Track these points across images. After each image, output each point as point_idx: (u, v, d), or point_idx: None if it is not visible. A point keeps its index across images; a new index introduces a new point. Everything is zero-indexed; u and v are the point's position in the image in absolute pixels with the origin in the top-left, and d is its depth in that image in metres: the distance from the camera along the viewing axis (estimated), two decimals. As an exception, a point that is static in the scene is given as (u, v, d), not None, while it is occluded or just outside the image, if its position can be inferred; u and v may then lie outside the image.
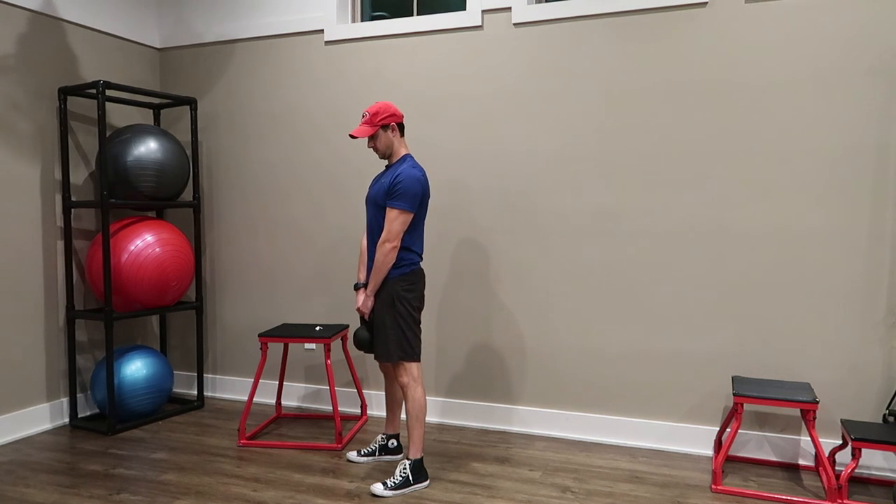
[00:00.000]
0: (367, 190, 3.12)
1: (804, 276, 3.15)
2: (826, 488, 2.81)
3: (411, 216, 2.86)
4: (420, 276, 2.98)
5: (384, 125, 2.92)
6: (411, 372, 2.90)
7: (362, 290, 3.04)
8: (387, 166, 3.03)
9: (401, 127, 2.97)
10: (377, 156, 3.09)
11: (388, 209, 2.84)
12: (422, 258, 3.01)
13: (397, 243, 2.84)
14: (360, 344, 3.03)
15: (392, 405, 3.25)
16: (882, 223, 3.02)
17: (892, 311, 3.03)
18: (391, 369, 3.12)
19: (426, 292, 3.81)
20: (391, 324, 2.89)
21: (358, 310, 3.01)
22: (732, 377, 3.18)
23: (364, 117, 2.93)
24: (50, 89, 3.73)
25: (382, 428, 3.75)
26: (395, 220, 2.83)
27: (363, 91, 3.93)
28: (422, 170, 2.93)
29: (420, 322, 3.04)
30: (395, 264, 2.90)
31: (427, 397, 3.88)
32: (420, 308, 2.98)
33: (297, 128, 4.12)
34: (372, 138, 2.94)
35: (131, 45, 4.27)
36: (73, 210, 3.87)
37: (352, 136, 2.88)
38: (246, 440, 3.49)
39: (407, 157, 2.96)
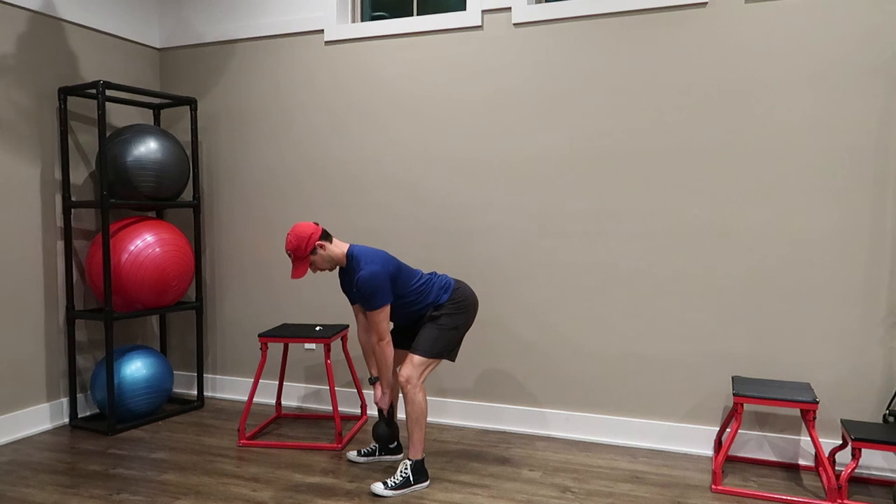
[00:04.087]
0: (340, 286, 3.15)
1: (804, 276, 3.15)
2: (826, 488, 2.81)
3: (389, 305, 2.88)
4: (462, 292, 2.99)
5: (312, 250, 2.92)
6: (419, 368, 2.89)
7: (378, 384, 3.09)
8: (342, 268, 3.04)
9: (325, 236, 2.95)
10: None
11: (368, 314, 2.89)
12: (442, 276, 3.04)
13: (388, 338, 2.92)
14: (379, 439, 3.08)
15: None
16: (882, 223, 3.02)
17: (892, 310, 3.03)
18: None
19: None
20: (431, 331, 2.93)
21: (376, 403, 3.09)
22: (732, 377, 3.18)
23: (292, 256, 2.93)
24: (50, 89, 3.73)
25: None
26: (380, 322, 2.87)
27: (363, 91, 3.93)
28: (371, 256, 2.89)
29: (466, 329, 3.03)
30: (427, 302, 2.94)
31: (429, 397, 3.86)
32: (467, 322, 2.99)
33: (297, 127, 4.12)
34: (312, 266, 2.96)
35: (131, 45, 4.27)
36: (73, 210, 3.87)
37: (294, 279, 2.91)
38: (246, 440, 3.49)
39: (350, 253, 2.95)
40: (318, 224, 2.97)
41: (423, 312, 2.98)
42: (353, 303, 3.16)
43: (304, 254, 2.91)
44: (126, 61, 4.23)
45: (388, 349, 2.93)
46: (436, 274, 3.06)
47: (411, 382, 2.88)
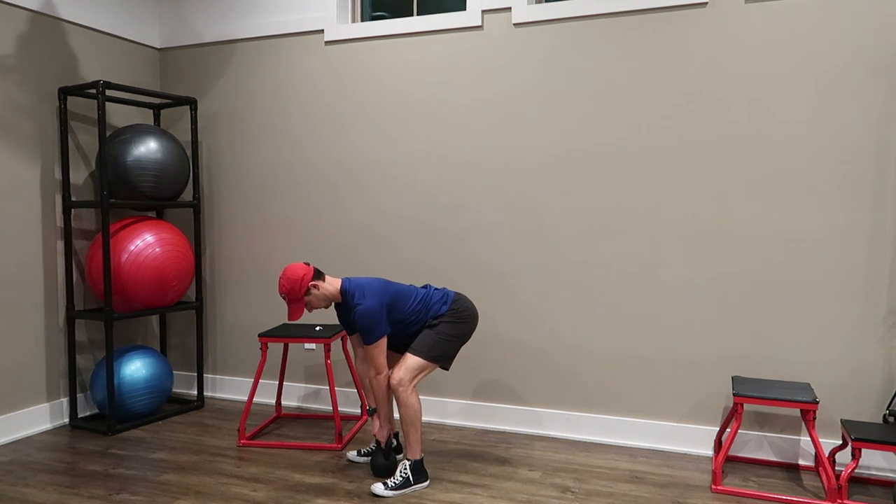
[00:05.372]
0: (338, 319, 3.15)
1: (804, 276, 3.15)
2: (826, 488, 2.81)
3: (386, 336, 2.88)
4: (461, 303, 2.99)
5: (306, 291, 2.91)
6: (412, 371, 2.88)
7: (376, 416, 3.08)
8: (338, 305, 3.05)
9: (318, 275, 2.94)
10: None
11: (365, 348, 2.89)
12: (439, 289, 3.03)
13: (385, 372, 2.92)
14: (377, 472, 3.06)
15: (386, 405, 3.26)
16: (882, 223, 3.02)
17: (892, 310, 3.03)
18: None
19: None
20: (429, 337, 2.93)
21: (374, 436, 3.08)
22: (732, 377, 3.18)
23: (286, 299, 2.93)
24: (50, 89, 3.73)
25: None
26: (376, 356, 2.88)
27: (363, 91, 3.93)
28: (366, 289, 2.87)
29: (464, 341, 3.02)
30: (426, 316, 2.94)
31: (429, 397, 3.88)
32: (465, 333, 2.99)
33: (298, 127, 4.12)
34: (307, 307, 2.96)
35: (131, 45, 4.27)
36: (73, 210, 3.87)
37: (290, 321, 2.95)
38: (246, 440, 3.49)
39: (345, 289, 2.94)
40: (308, 264, 2.96)
41: (422, 325, 2.98)
42: (350, 334, 3.16)
43: (298, 296, 2.90)
44: (126, 61, 4.23)
45: (385, 383, 2.93)
46: (432, 287, 3.05)
47: (403, 385, 2.87)
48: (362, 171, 3.96)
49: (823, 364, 3.14)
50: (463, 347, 3.78)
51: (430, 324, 2.95)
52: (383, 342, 2.87)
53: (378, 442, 3.07)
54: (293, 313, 2.94)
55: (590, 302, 3.52)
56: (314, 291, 2.92)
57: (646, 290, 3.41)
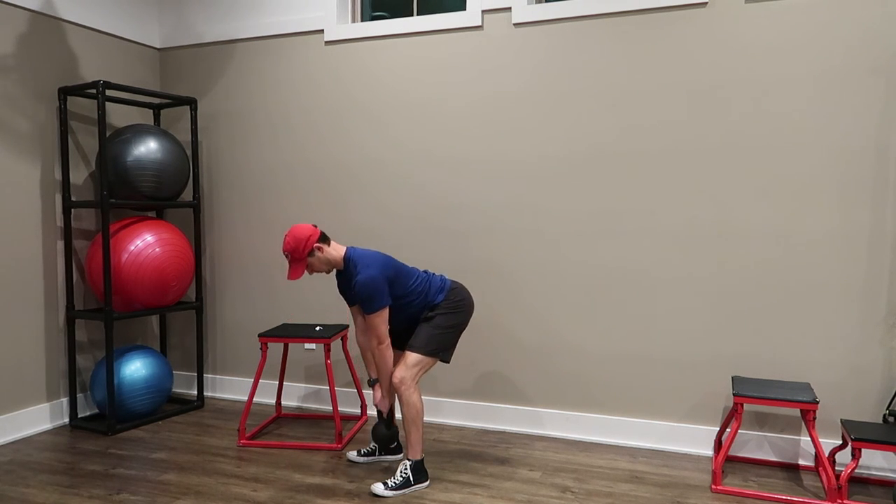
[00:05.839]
0: (338, 288, 3.14)
1: (804, 276, 3.15)
2: (826, 488, 2.81)
3: (387, 307, 2.87)
4: (458, 293, 2.99)
5: (309, 252, 2.91)
6: (414, 368, 2.88)
7: (377, 386, 3.08)
8: (339, 271, 3.03)
9: (323, 238, 2.94)
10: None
11: (366, 317, 2.88)
12: (439, 276, 3.04)
13: (387, 342, 2.91)
14: (379, 440, 3.07)
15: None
16: (882, 223, 3.02)
17: (892, 311, 3.03)
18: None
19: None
20: (426, 330, 2.93)
21: (376, 405, 3.09)
22: (732, 377, 3.18)
23: (288, 257, 2.92)
24: (50, 89, 3.73)
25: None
26: (378, 325, 2.87)
27: (363, 91, 3.93)
28: (370, 259, 2.88)
29: (461, 331, 3.02)
30: (424, 302, 2.94)
31: (428, 397, 3.88)
32: (462, 323, 2.99)
33: (297, 127, 4.12)
34: (308, 268, 2.95)
35: (131, 45, 4.27)
36: (73, 210, 3.87)
37: (290, 279, 2.89)
38: (246, 440, 3.49)
39: (348, 257, 2.94)
40: (316, 226, 2.97)
41: (421, 312, 2.98)
42: (350, 305, 3.16)
43: (301, 255, 2.90)
44: (126, 61, 4.23)
45: (388, 352, 2.93)
46: (431, 273, 3.06)
47: (405, 383, 2.87)
48: (362, 171, 3.96)
49: (823, 364, 3.14)
50: (463, 348, 3.78)
51: (426, 316, 2.95)
52: (385, 312, 2.86)
53: (379, 412, 3.09)
54: (292, 272, 2.92)
55: (590, 301, 3.52)
56: (317, 254, 2.92)
57: (646, 290, 3.41)
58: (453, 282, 3.04)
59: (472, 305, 3.04)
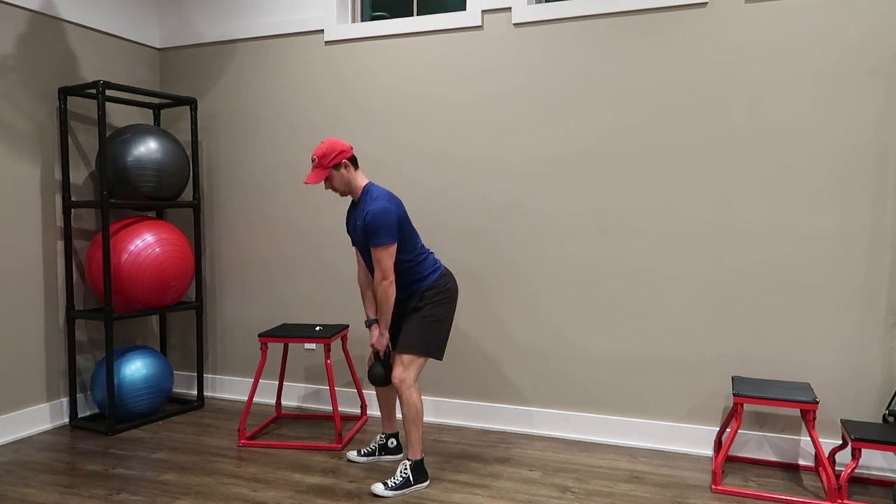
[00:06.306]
0: (346, 223, 3.12)
1: (804, 277, 3.15)
2: (826, 488, 2.81)
3: (395, 245, 2.85)
4: (447, 279, 3.00)
5: (336, 165, 2.89)
6: (412, 368, 2.89)
7: (375, 325, 3.02)
8: (353, 202, 3.02)
9: (353, 160, 2.93)
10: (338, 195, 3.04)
11: (372, 250, 2.85)
12: (433, 254, 3.04)
13: (392, 278, 2.86)
14: (375, 380, 3.04)
15: (386, 406, 3.26)
16: (882, 223, 3.02)
17: (892, 310, 3.03)
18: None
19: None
20: (417, 326, 2.92)
21: (372, 346, 3.03)
22: (732, 377, 3.18)
23: (314, 161, 2.90)
24: (50, 89, 3.73)
25: (381, 428, 3.74)
26: (383, 259, 2.84)
27: (363, 91, 3.93)
28: (387, 195, 2.88)
29: (450, 323, 3.03)
30: (416, 277, 2.94)
31: (428, 397, 3.88)
32: (449, 314, 2.99)
33: (297, 127, 4.12)
34: (328, 180, 2.93)
35: (131, 45, 4.27)
36: (73, 210, 3.87)
37: (306, 183, 2.87)
38: (246, 440, 3.49)
39: (368, 188, 2.93)
40: (352, 148, 2.91)
41: (414, 288, 2.95)
42: (354, 243, 3.08)
43: (327, 164, 2.87)
44: (126, 61, 4.23)
45: (391, 289, 2.87)
46: (430, 250, 3.06)
47: (405, 383, 2.87)
48: (362, 171, 3.96)
49: (823, 364, 3.14)
50: (463, 347, 3.78)
51: (415, 306, 2.94)
52: (392, 249, 2.83)
53: (377, 352, 3.02)
54: (312, 177, 2.89)
55: (590, 301, 3.52)
56: (342, 170, 2.90)
57: (645, 290, 3.41)
58: (444, 267, 3.05)
59: (457, 294, 3.04)
